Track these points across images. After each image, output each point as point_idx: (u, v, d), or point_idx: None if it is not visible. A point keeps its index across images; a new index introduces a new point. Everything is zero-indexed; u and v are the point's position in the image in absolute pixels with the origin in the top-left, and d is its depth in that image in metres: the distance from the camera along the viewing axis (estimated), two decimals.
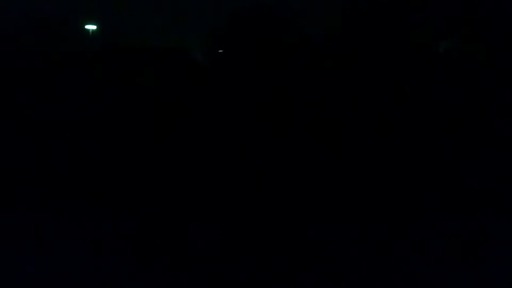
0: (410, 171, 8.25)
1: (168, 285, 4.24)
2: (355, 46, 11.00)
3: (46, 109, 11.22)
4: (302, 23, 11.68)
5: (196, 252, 5.03)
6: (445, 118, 9.49)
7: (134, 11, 13.39)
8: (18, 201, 6.94)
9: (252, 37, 11.58)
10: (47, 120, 10.71)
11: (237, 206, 6.64)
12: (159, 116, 11.10)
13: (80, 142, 9.78)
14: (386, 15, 11.12)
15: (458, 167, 8.10)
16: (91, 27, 14.69)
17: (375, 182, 7.73)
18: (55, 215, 6.26)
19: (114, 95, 11.93)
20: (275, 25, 11.83)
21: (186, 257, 4.89)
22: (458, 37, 10.76)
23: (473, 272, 4.33)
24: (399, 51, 10.55)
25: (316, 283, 4.22)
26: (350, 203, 6.85)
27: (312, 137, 9.26)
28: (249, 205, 6.68)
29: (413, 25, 10.85)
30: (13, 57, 12.34)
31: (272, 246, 5.19)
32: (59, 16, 13.91)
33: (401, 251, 5.08)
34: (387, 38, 10.85)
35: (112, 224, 5.89)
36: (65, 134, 10.15)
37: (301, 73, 10.71)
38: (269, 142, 9.30)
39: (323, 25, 11.32)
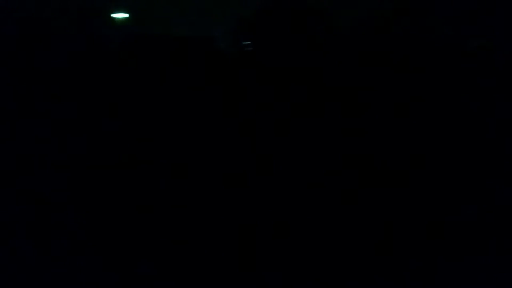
0: None
1: None
2: (391, 42, 10.09)
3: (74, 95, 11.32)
4: (336, 14, 10.84)
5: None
6: None
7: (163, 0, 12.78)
8: None
9: (282, 27, 10.89)
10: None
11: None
12: (184, 106, 10.95)
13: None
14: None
15: None
16: (119, 15, 14.33)
17: None
18: None
19: (141, 83, 11.83)
20: (306, 16, 11.08)
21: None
22: None
23: None
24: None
25: None
26: None
27: (349, 137, 8.73)
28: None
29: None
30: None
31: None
32: (89, 5, 13.67)
33: None
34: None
35: None
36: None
37: (331, 67, 10.01)
38: (295, 138, 8.91)
39: (357, 16, 10.43)
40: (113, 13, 14.02)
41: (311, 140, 9.08)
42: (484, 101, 9.83)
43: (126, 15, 13.92)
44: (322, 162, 8.35)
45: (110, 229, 6.25)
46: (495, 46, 10.14)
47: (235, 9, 13.22)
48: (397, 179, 7.42)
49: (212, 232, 6.46)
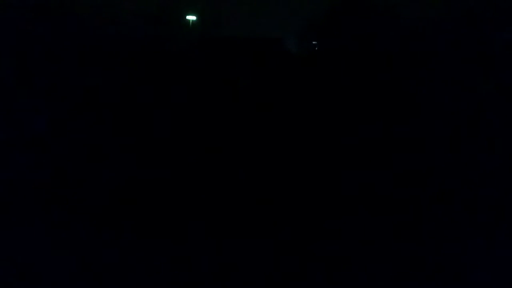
0: None
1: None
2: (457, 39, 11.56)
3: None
4: (398, 17, 12.15)
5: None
6: None
7: (232, 2, 13.73)
8: None
9: (348, 30, 12.23)
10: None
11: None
12: (251, 104, 11.48)
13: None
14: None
15: None
16: (191, 17, 14.89)
17: None
18: None
19: (212, 82, 12.67)
20: (371, 19, 12.38)
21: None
22: None
23: None
24: None
25: None
26: None
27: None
28: None
29: None
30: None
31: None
32: (164, 8, 14.09)
33: None
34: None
35: None
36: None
37: (396, 70, 11.68)
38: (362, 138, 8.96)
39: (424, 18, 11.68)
40: (187, 16, 15.45)
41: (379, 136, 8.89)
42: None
43: (198, 17, 15.88)
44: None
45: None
46: None
47: (304, 11, 15.55)
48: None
49: None
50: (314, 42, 13.12)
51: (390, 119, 10.37)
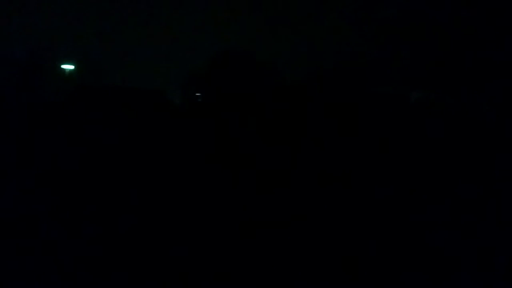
0: None
1: None
2: (337, 91, 12.45)
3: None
4: (282, 68, 12.88)
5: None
6: None
7: (114, 52, 13.44)
8: None
9: (231, 81, 12.52)
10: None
11: None
12: (131, 155, 11.34)
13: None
14: None
15: None
16: (68, 67, 14.21)
17: None
18: None
19: (91, 132, 12.14)
20: (253, 70, 12.86)
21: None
22: None
23: None
24: None
25: None
26: None
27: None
28: None
29: None
30: None
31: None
32: (37, 56, 13.34)
33: None
34: None
35: None
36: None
37: (279, 116, 12.07)
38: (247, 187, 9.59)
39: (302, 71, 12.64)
40: (63, 64, 15.02)
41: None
42: None
43: (76, 66, 15.40)
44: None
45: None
46: None
47: (186, 64, 15.31)
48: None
49: None
50: (197, 94, 13.25)
51: (271, 168, 10.57)
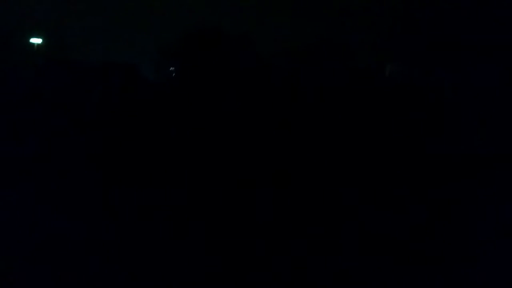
0: None
1: None
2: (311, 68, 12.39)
3: None
4: (254, 43, 12.64)
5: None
6: None
7: (83, 25, 12.87)
8: None
9: (204, 55, 12.28)
10: None
11: None
12: (102, 129, 11.19)
13: None
14: None
15: None
16: (36, 40, 13.60)
17: None
18: None
19: (60, 107, 11.89)
20: (226, 45, 12.63)
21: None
22: None
23: None
24: None
25: None
26: None
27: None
28: None
29: None
30: None
31: None
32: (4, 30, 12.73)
33: None
34: None
35: None
36: None
37: (250, 93, 11.96)
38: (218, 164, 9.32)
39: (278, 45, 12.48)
40: (32, 38, 14.63)
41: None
42: None
43: (44, 40, 15.05)
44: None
45: None
46: None
47: (161, 38, 14.81)
48: None
49: None
50: (171, 68, 12.96)
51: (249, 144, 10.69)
